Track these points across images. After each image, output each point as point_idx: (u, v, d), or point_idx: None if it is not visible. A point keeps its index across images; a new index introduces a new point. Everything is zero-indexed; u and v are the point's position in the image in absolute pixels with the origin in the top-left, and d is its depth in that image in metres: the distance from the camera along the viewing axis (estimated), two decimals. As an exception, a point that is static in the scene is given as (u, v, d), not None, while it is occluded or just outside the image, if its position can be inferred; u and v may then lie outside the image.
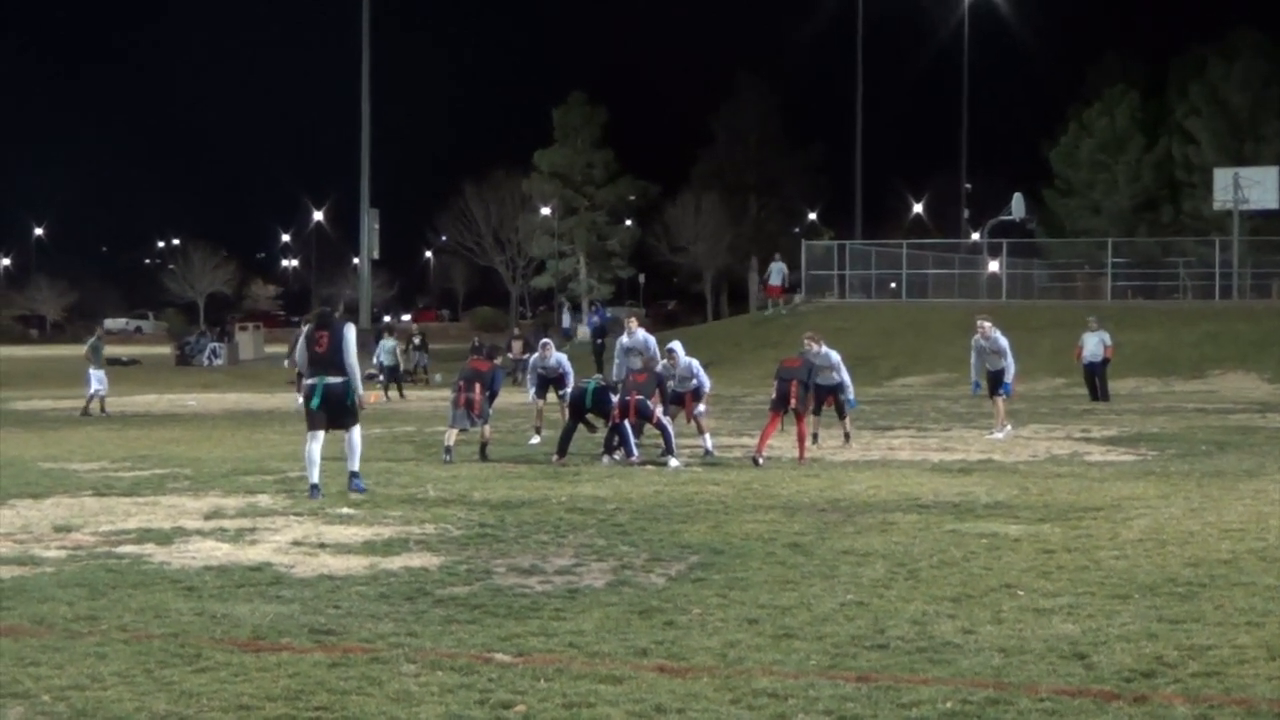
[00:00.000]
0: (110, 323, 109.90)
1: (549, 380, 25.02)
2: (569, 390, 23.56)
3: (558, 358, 24.99)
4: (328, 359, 17.22)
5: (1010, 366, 25.55)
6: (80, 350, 42.60)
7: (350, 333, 17.37)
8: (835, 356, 24.10)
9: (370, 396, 37.12)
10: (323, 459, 17.36)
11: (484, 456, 22.05)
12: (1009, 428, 25.95)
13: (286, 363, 42.32)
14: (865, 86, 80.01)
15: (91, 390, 35.46)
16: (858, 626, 9.77)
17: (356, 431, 17.67)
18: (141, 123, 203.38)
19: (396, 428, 29.89)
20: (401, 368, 46.60)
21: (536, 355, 25.47)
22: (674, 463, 20.46)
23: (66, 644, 9.37)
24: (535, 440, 24.72)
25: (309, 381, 17.65)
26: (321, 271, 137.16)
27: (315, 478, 17.18)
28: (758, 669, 8.64)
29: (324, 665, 8.76)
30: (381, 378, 43.95)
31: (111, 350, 47.10)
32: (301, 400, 19.14)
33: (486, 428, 22.54)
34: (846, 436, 24.35)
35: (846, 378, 24.15)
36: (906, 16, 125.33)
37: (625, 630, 9.72)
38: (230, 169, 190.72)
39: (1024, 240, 72.68)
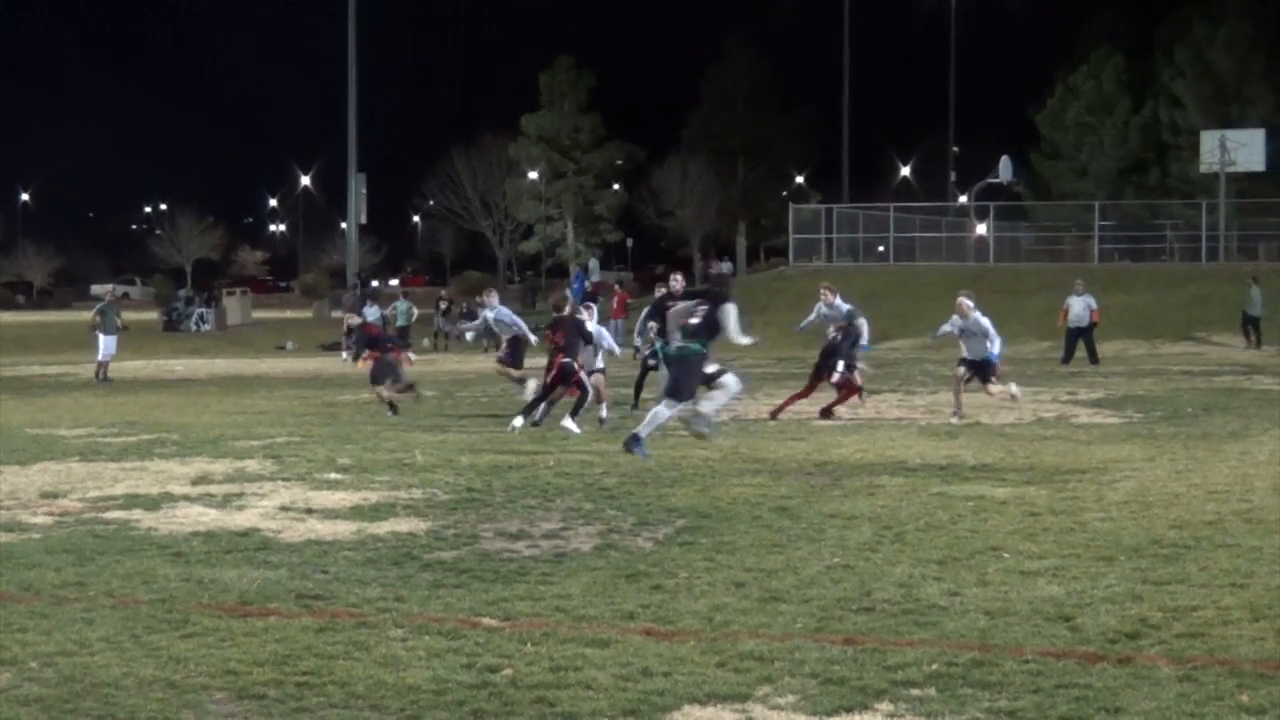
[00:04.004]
0: (97, 288, 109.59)
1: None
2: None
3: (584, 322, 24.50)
4: (692, 329, 17.34)
5: (995, 347, 22.93)
6: (70, 316, 42.54)
7: (732, 310, 17.56)
8: (846, 307, 24.32)
9: (359, 364, 37.19)
10: (311, 428, 17.33)
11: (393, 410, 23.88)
12: (1014, 385, 23.52)
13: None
14: (853, 50, 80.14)
15: (100, 356, 35.46)
16: (844, 589, 9.79)
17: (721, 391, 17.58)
18: (127, 88, 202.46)
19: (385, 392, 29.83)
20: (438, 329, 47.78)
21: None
22: (568, 424, 20.32)
23: (54, 610, 9.38)
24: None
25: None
26: (309, 237, 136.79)
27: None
28: (744, 632, 8.66)
29: (311, 630, 8.77)
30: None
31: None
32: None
33: (381, 389, 24.28)
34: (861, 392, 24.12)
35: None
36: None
37: (612, 594, 9.74)
38: (217, 134, 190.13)
39: (1011, 203, 72.74)
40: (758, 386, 26.47)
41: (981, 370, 22.85)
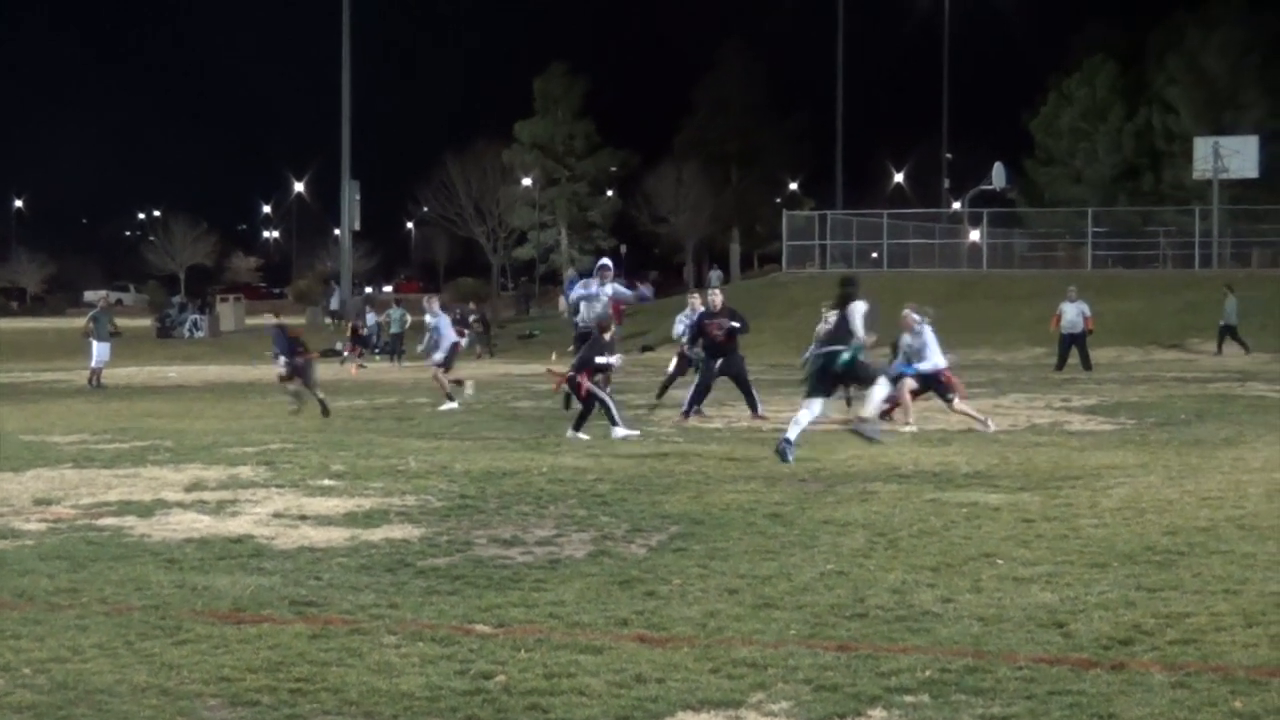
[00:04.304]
0: (90, 294, 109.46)
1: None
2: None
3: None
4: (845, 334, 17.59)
5: (925, 365, 22.04)
6: (64, 323, 42.57)
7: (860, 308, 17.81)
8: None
9: (351, 369, 37.13)
10: (301, 430, 17.33)
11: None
12: (991, 422, 21.99)
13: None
14: (847, 56, 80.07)
15: (94, 362, 35.43)
16: (837, 596, 9.79)
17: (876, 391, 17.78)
18: (121, 94, 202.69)
19: (378, 399, 29.88)
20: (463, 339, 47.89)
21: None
22: (582, 436, 20.49)
23: (47, 617, 9.37)
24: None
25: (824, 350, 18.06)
26: (302, 243, 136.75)
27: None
28: (738, 639, 8.66)
29: (305, 637, 8.77)
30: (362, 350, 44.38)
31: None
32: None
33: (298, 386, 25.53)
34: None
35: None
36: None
37: (606, 600, 9.74)
38: (211, 141, 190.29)
39: (1005, 210, 72.83)
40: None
41: (935, 385, 22.09)
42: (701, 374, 24.11)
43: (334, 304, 72.57)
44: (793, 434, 17.29)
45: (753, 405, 23.85)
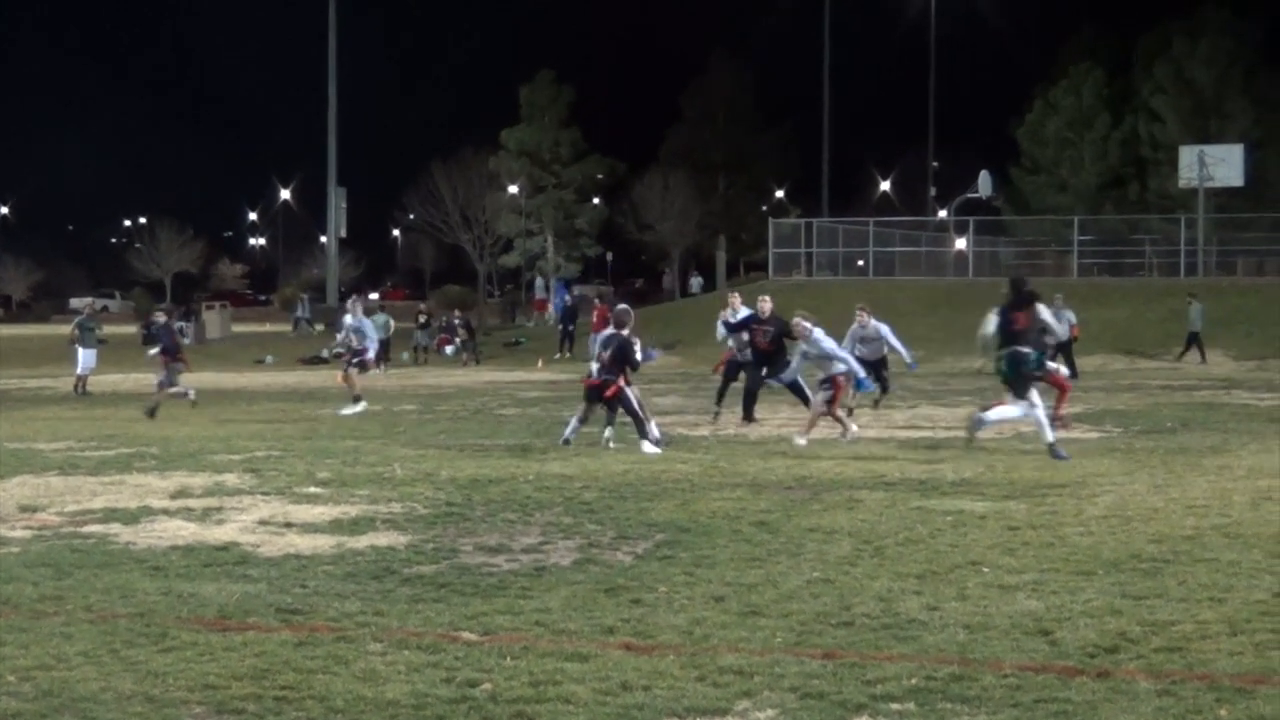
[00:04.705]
0: (76, 301, 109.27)
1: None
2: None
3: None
4: (1022, 333, 18.92)
5: (841, 368, 21.43)
6: (49, 329, 42.54)
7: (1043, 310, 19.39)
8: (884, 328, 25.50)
9: (337, 377, 37.21)
10: (289, 438, 17.33)
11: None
12: (854, 426, 21.81)
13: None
14: (833, 64, 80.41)
15: (80, 369, 35.36)
16: (823, 604, 9.79)
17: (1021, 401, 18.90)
18: (107, 101, 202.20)
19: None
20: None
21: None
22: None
23: (32, 624, 9.35)
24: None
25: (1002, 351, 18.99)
26: (289, 250, 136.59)
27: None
28: (724, 646, 8.66)
29: (290, 644, 8.76)
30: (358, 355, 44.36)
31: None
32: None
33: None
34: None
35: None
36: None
37: (592, 608, 9.74)
38: (197, 147, 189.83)
39: (990, 218, 72.88)
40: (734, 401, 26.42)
41: (826, 383, 21.37)
42: (748, 380, 23.98)
43: (302, 311, 72.53)
44: (993, 416, 19.12)
45: (806, 402, 23.76)
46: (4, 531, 13.13)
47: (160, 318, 30.38)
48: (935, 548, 11.95)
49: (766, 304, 24.06)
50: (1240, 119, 73.52)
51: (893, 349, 25.89)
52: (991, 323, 19.31)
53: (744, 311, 25.00)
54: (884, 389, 26.23)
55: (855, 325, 25.43)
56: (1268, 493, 14.90)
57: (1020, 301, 19.18)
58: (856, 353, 24.32)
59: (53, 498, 15.35)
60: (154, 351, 28.26)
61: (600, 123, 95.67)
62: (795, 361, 22.52)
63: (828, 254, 66.65)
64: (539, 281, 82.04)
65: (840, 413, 21.60)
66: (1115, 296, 53.50)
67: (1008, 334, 18.93)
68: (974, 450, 19.19)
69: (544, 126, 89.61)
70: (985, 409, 19.63)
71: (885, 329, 25.62)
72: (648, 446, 19.86)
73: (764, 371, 23.65)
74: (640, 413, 20.37)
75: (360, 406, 27.31)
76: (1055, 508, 14.10)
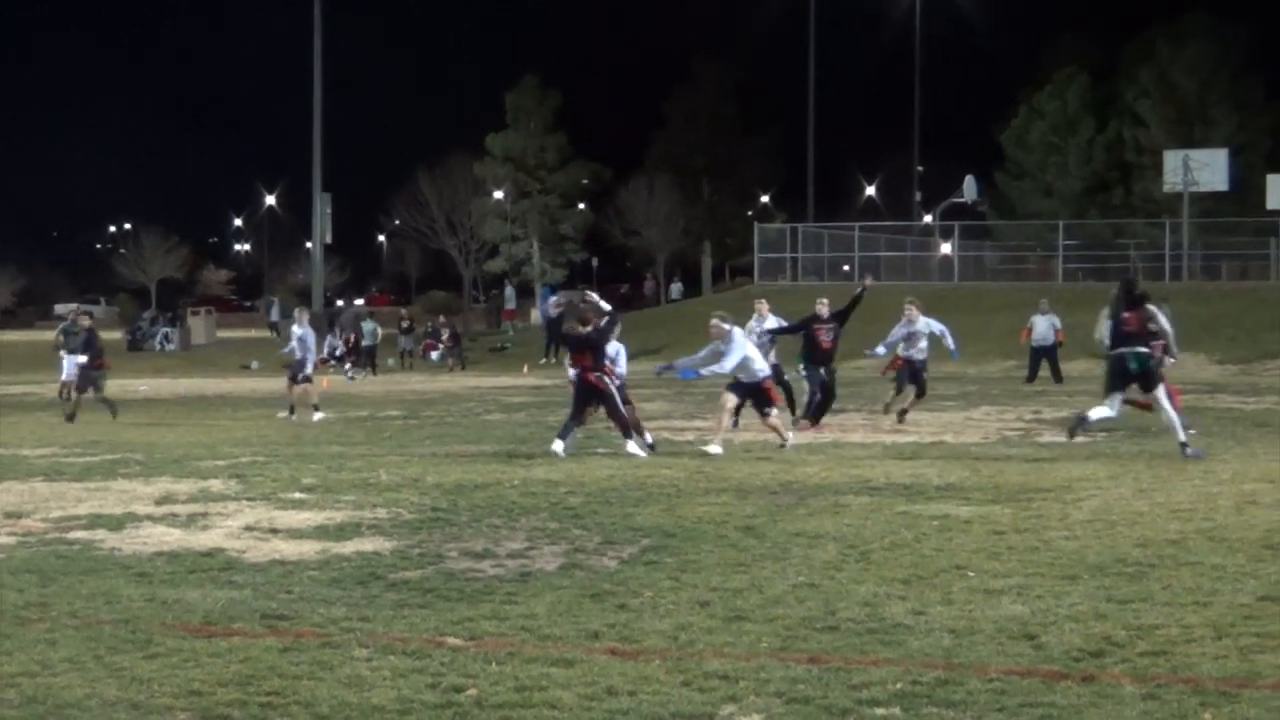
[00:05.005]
0: (61, 308, 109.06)
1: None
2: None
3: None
4: (1136, 333, 19.34)
5: (726, 366, 20.54)
6: (34, 335, 42.44)
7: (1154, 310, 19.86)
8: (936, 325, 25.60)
9: (323, 382, 37.09)
10: (274, 442, 17.31)
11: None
12: (791, 434, 21.34)
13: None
14: (818, 69, 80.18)
15: (64, 376, 35.25)
16: (809, 608, 9.80)
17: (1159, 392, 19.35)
18: (91, 107, 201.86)
19: (349, 412, 29.84)
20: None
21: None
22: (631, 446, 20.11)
23: (16, 631, 9.33)
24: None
25: (1121, 350, 19.30)
26: (274, 256, 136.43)
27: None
28: (709, 651, 8.66)
29: (276, 650, 8.75)
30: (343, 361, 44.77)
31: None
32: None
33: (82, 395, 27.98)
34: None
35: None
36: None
37: (577, 613, 9.74)
38: (182, 153, 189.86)
39: (976, 223, 72.97)
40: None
41: (754, 396, 20.66)
42: (810, 385, 23.94)
43: (273, 316, 72.58)
44: (1094, 414, 19.53)
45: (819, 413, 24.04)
46: (-12, 538, 13.10)
47: (85, 321, 30.79)
48: (920, 552, 11.96)
49: (824, 306, 24.38)
50: (1224, 124, 73.68)
51: (940, 336, 25.54)
52: (1105, 325, 19.92)
53: (771, 319, 24.86)
54: (920, 393, 25.25)
55: (903, 321, 25.07)
56: (1252, 497, 14.93)
57: (1132, 303, 19.54)
58: (902, 351, 24.48)
59: (37, 504, 15.32)
60: (82, 359, 28.91)
61: (586, 128, 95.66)
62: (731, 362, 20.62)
63: (813, 259, 66.69)
64: (509, 290, 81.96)
65: (774, 421, 20.72)
66: (1100, 301, 53.21)
67: (1120, 335, 19.31)
68: (1074, 444, 20.32)
69: (529, 132, 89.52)
70: (1085, 416, 19.97)
71: (936, 324, 25.35)
72: (632, 446, 19.85)
73: (822, 371, 24.01)
74: (624, 416, 20.31)
75: (295, 416, 27.61)
76: (1040, 512, 14.11)
